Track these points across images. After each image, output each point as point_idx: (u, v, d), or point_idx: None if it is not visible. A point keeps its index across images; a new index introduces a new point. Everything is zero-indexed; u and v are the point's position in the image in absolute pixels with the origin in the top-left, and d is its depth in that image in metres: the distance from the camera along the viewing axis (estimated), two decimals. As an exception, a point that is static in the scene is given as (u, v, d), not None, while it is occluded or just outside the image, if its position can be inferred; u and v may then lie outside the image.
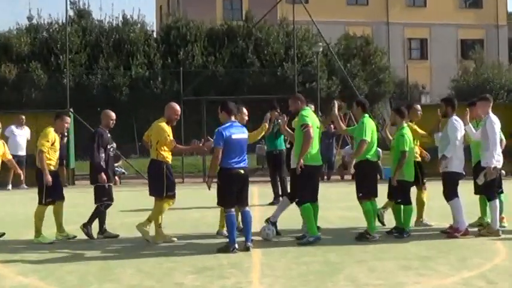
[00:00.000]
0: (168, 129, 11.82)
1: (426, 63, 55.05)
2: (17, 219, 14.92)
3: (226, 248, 10.65)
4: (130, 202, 17.54)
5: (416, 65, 46.39)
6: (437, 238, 11.78)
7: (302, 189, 11.46)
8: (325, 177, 24.68)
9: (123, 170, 25.86)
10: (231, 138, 10.78)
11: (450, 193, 11.88)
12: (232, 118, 11.11)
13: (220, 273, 9.27)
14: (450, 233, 11.90)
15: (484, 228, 12.10)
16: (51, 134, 12.11)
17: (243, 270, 9.47)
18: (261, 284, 8.67)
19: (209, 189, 10.89)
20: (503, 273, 9.00)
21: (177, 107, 12.28)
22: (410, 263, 9.78)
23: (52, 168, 12.07)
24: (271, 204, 16.48)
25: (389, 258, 10.07)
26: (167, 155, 11.86)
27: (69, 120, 12.63)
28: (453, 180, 11.90)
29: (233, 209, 10.85)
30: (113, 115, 12.58)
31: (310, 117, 11.55)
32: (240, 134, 11.01)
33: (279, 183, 16.99)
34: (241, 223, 11.34)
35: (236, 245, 10.64)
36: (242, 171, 10.92)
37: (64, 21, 36.36)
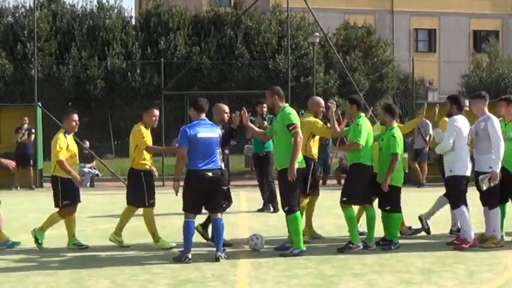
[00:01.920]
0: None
1: (434, 57, 55.31)
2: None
3: (180, 257, 10.84)
4: (105, 207, 17.58)
5: (423, 59, 46.60)
6: (443, 249, 11.79)
7: (288, 196, 11.40)
8: (321, 181, 24.61)
9: (96, 172, 25.91)
10: (196, 137, 10.83)
11: (456, 200, 11.93)
12: (202, 116, 11.17)
13: (203, 286, 9.34)
14: (457, 244, 11.98)
15: (487, 240, 12.14)
16: (143, 130, 12.22)
17: (228, 283, 9.52)
18: (248, 298, 8.76)
19: (176, 194, 11.04)
20: (514, 289, 9.11)
21: (321, 101, 13.02)
22: (412, 277, 9.82)
23: (147, 167, 12.33)
24: (260, 211, 16.56)
25: (390, 272, 10.13)
26: (315, 152, 12.70)
27: (157, 113, 12.63)
28: (458, 184, 11.97)
29: (194, 217, 10.95)
30: (226, 108, 12.59)
31: (295, 115, 11.47)
32: (208, 132, 11.02)
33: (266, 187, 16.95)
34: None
35: (189, 255, 10.77)
36: (210, 174, 10.93)
37: (32, 4, 36.29)
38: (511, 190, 12.26)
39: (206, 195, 10.96)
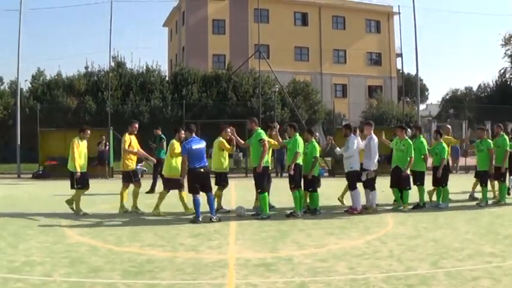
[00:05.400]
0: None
1: (346, 100, 55.45)
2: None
3: (194, 220, 10.78)
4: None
5: (339, 101, 46.74)
6: (351, 214, 11.81)
7: (261, 183, 11.41)
8: (278, 174, 24.26)
9: (144, 169, 25.68)
10: (192, 149, 10.85)
11: (352, 186, 12.05)
12: (193, 134, 11.17)
13: (209, 237, 9.33)
14: (350, 211, 12.05)
15: (368, 208, 12.23)
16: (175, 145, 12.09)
17: (224, 235, 9.54)
18: (236, 244, 8.73)
19: (182, 183, 11.18)
20: (391, 237, 9.16)
21: (449, 127, 14.18)
22: (333, 230, 9.89)
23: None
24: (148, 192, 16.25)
25: (320, 228, 10.18)
26: None
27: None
28: (355, 176, 12.07)
29: (198, 195, 10.88)
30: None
31: (264, 133, 11.62)
32: (198, 145, 11.00)
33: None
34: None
35: (200, 218, 10.77)
36: (202, 170, 10.94)
37: (107, 69, 36.33)
38: (401, 180, 12.42)
39: (201, 182, 10.93)
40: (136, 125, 12.72)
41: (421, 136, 13.11)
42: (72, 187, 12.15)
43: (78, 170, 11.97)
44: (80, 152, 12.09)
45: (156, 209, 11.99)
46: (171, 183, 11.92)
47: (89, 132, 12.49)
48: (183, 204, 12.09)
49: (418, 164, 12.77)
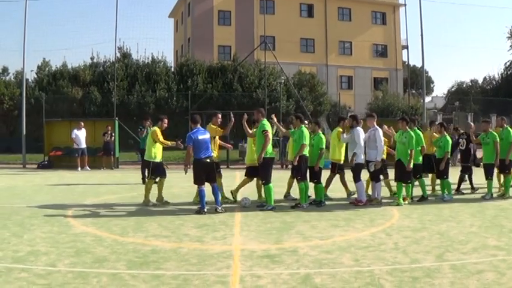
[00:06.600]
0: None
1: (351, 92, 55.30)
2: (81, 190, 14.83)
3: (199, 211, 10.76)
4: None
5: (345, 93, 46.58)
6: (357, 206, 11.79)
7: (266, 174, 11.37)
8: (284, 165, 24.08)
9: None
10: (197, 139, 10.84)
11: (357, 178, 11.99)
12: (198, 126, 11.16)
13: (214, 228, 9.30)
14: (355, 203, 12.02)
15: (372, 200, 12.17)
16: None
17: (229, 226, 9.50)
18: (241, 235, 8.70)
19: (185, 173, 11.05)
20: (396, 229, 9.11)
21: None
22: (338, 222, 9.85)
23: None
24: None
25: (325, 220, 10.13)
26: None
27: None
28: (359, 169, 12.01)
29: (203, 186, 10.88)
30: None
31: (268, 125, 11.57)
32: (203, 135, 11.03)
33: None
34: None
35: (205, 209, 10.77)
36: (208, 160, 10.94)
37: (113, 60, 36.28)
38: (403, 174, 12.18)
39: (206, 172, 10.93)
40: (220, 117, 12.57)
41: (417, 128, 12.97)
42: (150, 176, 12.37)
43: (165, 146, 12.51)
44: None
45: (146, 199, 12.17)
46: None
47: (166, 121, 12.73)
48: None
49: (415, 156, 12.60)
